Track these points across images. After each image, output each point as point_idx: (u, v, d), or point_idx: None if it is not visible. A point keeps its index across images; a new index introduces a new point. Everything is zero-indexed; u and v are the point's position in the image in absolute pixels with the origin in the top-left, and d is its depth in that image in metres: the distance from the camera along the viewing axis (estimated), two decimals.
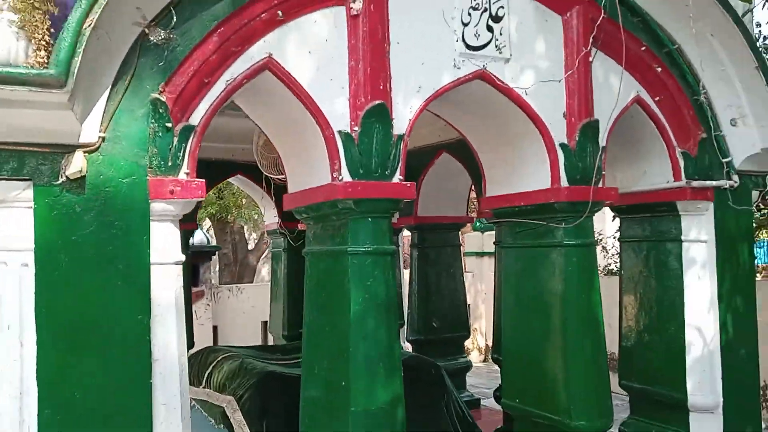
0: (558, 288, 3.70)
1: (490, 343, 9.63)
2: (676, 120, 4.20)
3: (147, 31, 2.65)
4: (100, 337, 2.54)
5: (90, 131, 2.52)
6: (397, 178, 3.27)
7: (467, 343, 9.01)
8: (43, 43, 2.36)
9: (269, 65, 3.01)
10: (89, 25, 2.29)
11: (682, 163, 4.23)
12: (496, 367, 5.49)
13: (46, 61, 2.34)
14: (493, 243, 6.00)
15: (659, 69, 4.08)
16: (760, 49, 4.91)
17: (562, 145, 3.73)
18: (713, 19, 4.04)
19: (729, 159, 4.31)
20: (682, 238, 4.30)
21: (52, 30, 2.37)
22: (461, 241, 8.20)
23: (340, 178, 3.15)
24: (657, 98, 4.14)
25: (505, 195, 4.06)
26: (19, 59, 2.34)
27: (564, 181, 3.74)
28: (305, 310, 3.57)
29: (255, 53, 2.97)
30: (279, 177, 5.39)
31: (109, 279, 2.56)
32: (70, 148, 2.49)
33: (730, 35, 4.08)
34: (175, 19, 2.72)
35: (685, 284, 4.26)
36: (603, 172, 3.84)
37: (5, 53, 2.31)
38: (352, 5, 3.17)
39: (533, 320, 3.89)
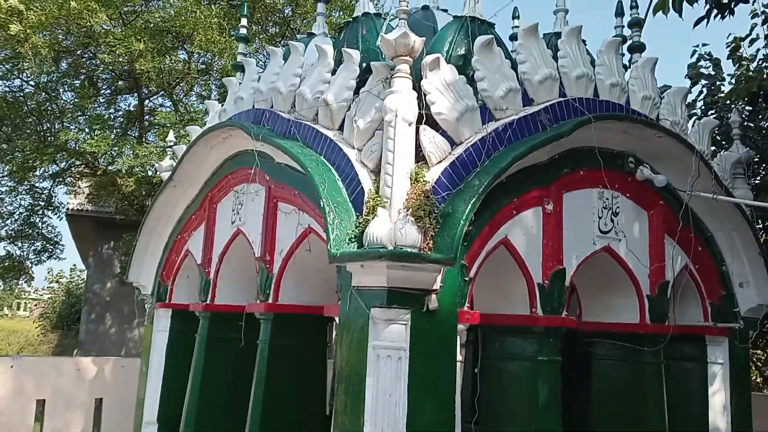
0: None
1: None
2: (708, 281, 6.41)
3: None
4: (437, 396, 4.32)
5: (437, 283, 4.39)
6: (564, 313, 5.23)
7: None
8: (431, 234, 4.26)
9: (504, 242, 4.99)
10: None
11: (710, 310, 6.41)
12: None
13: (432, 245, 4.24)
14: None
15: (700, 248, 6.30)
16: None
17: (647, 296, 5.81)
18: (735, 221, 6.35)
19: (737, 309, 6.53)
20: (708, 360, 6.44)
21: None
22: None
23: (536, 312, 5.08)
24: (697, 266, 6.35)
25: (601, 322, 6.06)
26: (417, 244, 4.22)
27: (647, 319, 5.79)
28: None
29: (500, 235, 4.95)
30: None
31: (439, 367, 4.36)
32: (430, 292, 4.34)
33: (744, 230, 6.40)
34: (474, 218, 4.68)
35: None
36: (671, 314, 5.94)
37: (414, 241, 4.20)
38: (546, 206, 5.23)
39: None
